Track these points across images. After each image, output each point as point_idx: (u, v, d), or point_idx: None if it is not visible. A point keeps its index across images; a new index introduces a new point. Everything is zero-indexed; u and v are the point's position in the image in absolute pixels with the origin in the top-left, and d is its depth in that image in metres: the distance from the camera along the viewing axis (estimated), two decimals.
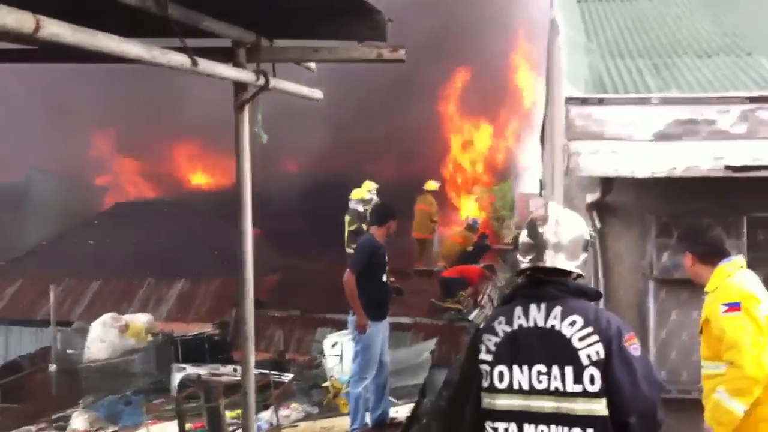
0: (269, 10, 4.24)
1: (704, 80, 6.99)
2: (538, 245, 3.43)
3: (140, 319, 12.48)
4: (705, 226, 5.29)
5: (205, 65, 3.92)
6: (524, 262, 3.49)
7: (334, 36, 4.62)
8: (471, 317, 15.17)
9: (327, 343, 11.27)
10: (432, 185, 18.78)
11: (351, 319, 8.59)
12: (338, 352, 10.99)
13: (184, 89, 22.46)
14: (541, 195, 18.83)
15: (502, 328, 3.39)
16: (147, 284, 17.54)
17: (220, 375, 10.83)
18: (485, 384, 3.38)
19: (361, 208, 15.89)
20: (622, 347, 3.25)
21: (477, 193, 24.43)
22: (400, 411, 9.28)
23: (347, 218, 15.99)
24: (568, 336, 3.26)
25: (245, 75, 4.52)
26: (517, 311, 3.38)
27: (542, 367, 3.27)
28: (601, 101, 6.23)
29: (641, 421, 3.26)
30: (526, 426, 3.28)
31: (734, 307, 4.69)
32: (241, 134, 4.80)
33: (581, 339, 3.24)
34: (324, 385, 10.81)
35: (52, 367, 12.60)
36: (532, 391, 3.28)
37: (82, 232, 20.19)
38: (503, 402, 3.33)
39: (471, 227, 18.79)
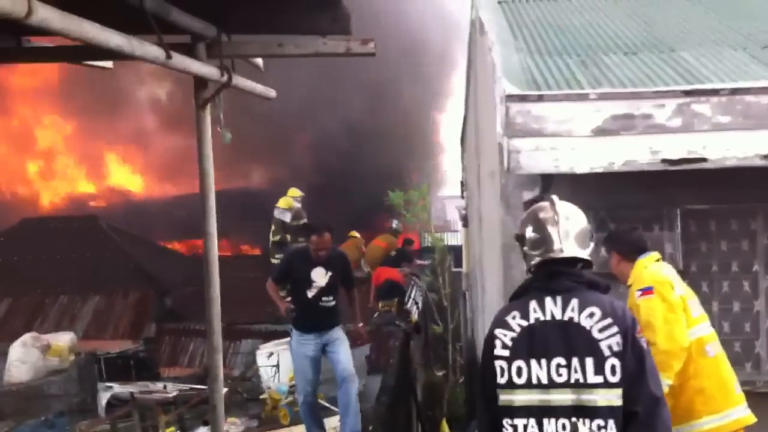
0: (228, 4, 4.06)
1: (633, 76, 7.07)
2: (548, 238, 3.42)
3: (62, 338, 11.92)
4: (628, 228, 5.96)
5: (177, 59, 3.75)
6: (535, 255, 3.46)
7: (295, 30, 4.45)
8: (398, 321, 15.11)
9: (261, 354, 11.00)
10: (354, 233, 18.89)
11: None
12: (274, 363, 10.74)
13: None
14: (462, 197, 19.02)
15: (517, 322, 3.34)
16: (60, 300, 16.83)
17: (150, 392, 10.42)
18: (502, 380, 3.32)
19: (287, 218, 15.73)
20: (635, 338, 3.26)
21: (391, 199, 24.39)
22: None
23: (272, 228, 15.81)
24: (587, 327, 3.23)
25: (209, 70, 4.32)
26: (532, 305, 3.34)
27: (561, 360, 3.23)
28: (540, 98, 6.22)
29: (647, 412, 3.23)
30: (545, 421, 3.23)
31: (647, 291, 5.13)
32: (203, 133, 4.58)
33: (601, 330, 3.22)
34: (261, 397, 10.54)
35: None
36: (552, 385, 3.24)
37: None
38: (522, 397, 3.28)
39: (394, 231, 18.85)
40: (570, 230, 3.43)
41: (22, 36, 4.60)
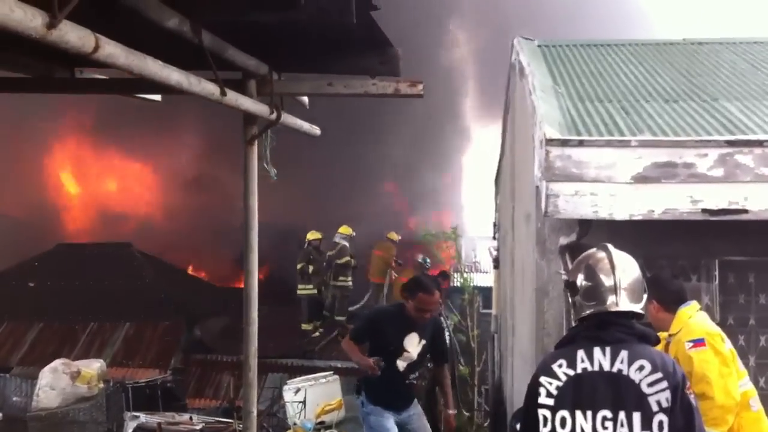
0: (282, 43, 4.13)
1: (674, 125, 7.05)
2: (601, 288, 3.35)
3: (92, 366, 11.95)
4: (669, 276, 5.77)
5: (231, 96, 3.82)
6: (586, 306, 3.38)
7: (344, 70, 4.51)
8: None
9: (288, 390, 10.96)
10: (393, 235, 19.10)
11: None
12: (301, 399, 10.70)
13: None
14: (494, 237, 18.92)
15: (563, 371, 3.28)
16: (90, 327, 16.94)
17: (176, 424, 10.41)
18: (545, 430, 3.26)
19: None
20: (684, 394, 3.18)
21: (423, 237, 24.44)
22: None
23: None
24: (636, 381, 3.17)
25: (261, 108, 4.38)
26: (580, 354, 3.28)
27: (608, 413, 3.16)
28: (581, 143, 6.20)
29: None
30: None
31: (699, 343, 5.02)
32: (250, 169, 4.64)
33: (650, 384, 3.16)
34: None
35: None
36: None
37: (21, 273, 19.47)
38: None
39: (422, 266, 18.85)
40: (624, 281, 3.36)
41: (76, 67, 4.71)
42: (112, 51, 2.74)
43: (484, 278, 26.20)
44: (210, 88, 3.63)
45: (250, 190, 4.72)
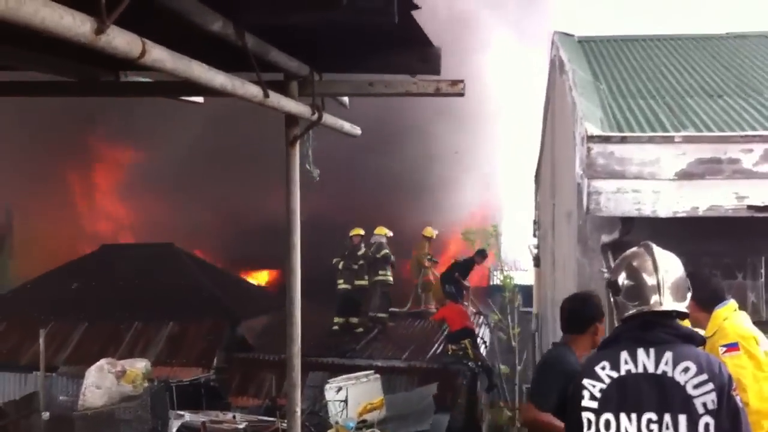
0: (323, 43, 4.15)
1: (719, 120, 6.95)
2: (644, 288, 3.27)
3: (137, 365, 12.12)
4: (707, 274, 5.47)
5: (274, 98, 3.85)
6: (629, 306, 3.30)
7: (385, 69, 4.52)
8: (465, 360, 14.95)
9: (330, 389, 11.00)
10: (429, 231, 19.01)
11: None
12: (342, 398, 10.74)
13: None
14: (534, 235, 18.81)
15: (606, 373, 3.21)
16: (135, 327, 17.16)
17: (220, 422, 10.51)
18: None
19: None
20: (731, 396, 3.10)
21: (465, 236, 24.37)
22: None
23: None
24: (682, 383, 3.09)
25: (302, 109, 4.41)
26: (623, 356, 3.20)
27: (653, 416, 3.10)
28: (623, 139, 6.15)
29: None
30: None
31: (733, 347, 4.83)
32: (292, 169, 4.66)
33: (696, 386, 3.08)
34: None
35: (45, 415, 12.17)
36: None
37: (67, 274, 19.79)
38: None
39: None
40: (667, 281, 3.26)
41: (121, 70, 4.78)
42: (159, 55, 2.78)
43: (524, 276, 26.09)
44: (253, 91, 3.66)
45: (292, 192, 4.73)
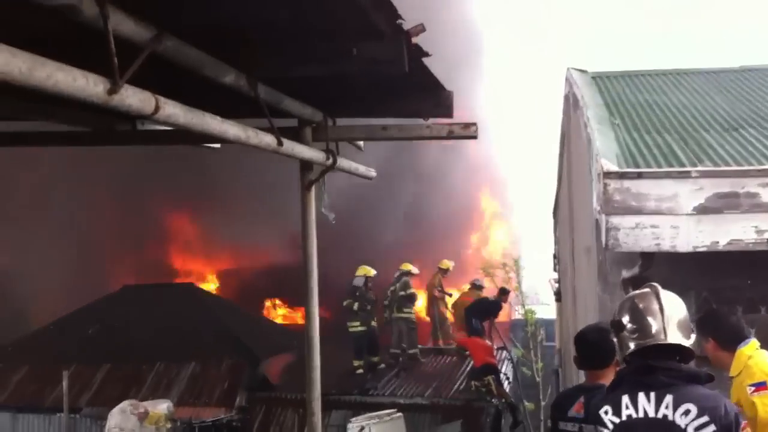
0: (337, 90, 4.23)
1: (735, 153, 6.94)
2: (646, 329, 3.28)
3: (160, 406, 12.16)
4: (726, 313, 5.42)
5: (287, 145, 3.92)
6: (632, 339, 3.31)
7: (397, 114, 4.59)
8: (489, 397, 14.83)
9: (353, 428, 10.97)
10: (445, 264, 18.91)
11: None
12: None
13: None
14: (554, 270, 18.73)
15: (609, 418, 3.24)
16: (157, 367, 17.21)
17: None
18: None
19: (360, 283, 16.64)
20: None
21: (484, 271, 24.29)
22: None
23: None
24: (682, 426, 3.10)
25: (316, 154, 4.49)
26: (625, 400, 3.22)
27: None
28: (639, 175, 6.16)
29: None
30: None
31: (761, 386, 4.77)
32: (308, 214, 4.73)
33: (697, 429, 3.08)
34: None
35: None
36: None
37: (88, 315, 19.93)
38: None
39: (477, 286, 18.71)
40: (672, 320, 3.28)
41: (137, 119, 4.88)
42: (172, 111, 2.85)
43: (546, 310, 25.93)
44: (267, 140, 3.74)
45: (308, 235, 4.78)
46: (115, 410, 12.06)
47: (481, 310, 17.36)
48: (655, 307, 3.30)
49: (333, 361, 16.34)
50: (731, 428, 3.08)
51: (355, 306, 16.40)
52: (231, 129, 3.35)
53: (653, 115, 8.71)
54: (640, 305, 3.35)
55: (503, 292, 18.48)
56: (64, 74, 2.28)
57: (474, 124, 4.42)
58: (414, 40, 3.27)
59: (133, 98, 2.59)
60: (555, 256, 18.72)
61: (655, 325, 3.27)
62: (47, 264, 24.13)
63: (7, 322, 20.89)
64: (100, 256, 26.15)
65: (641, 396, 3.19)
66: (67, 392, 13.64)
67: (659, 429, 3.12)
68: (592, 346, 4.34)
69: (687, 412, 3.10)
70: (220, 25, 3.25)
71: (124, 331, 18.47)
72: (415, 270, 17.67)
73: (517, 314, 25.45)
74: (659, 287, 3.44)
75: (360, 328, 16.48)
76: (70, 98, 2.36)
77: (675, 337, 3.25)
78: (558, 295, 17.73)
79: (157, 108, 2.71)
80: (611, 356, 4.17)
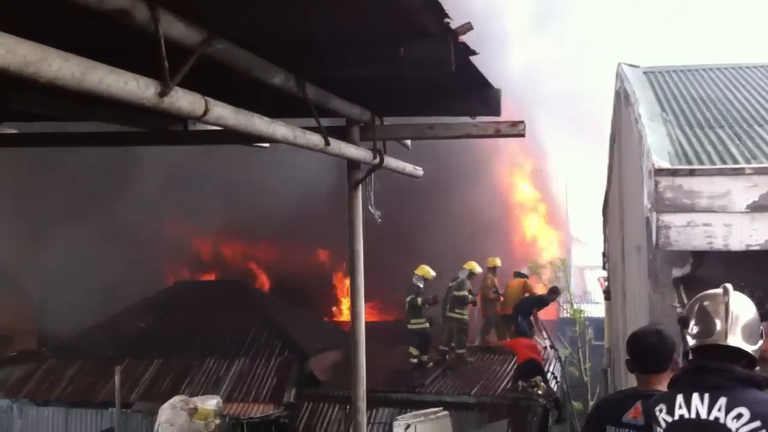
0: (385, 89, 4.24)
1: None
2: (713, 329, 3.25)
3: (209, 402, 12.33)
4: None
5: (335, 145, 3.95)
6: (695, 339, 3.29)
7: (445, 112, 4.59)
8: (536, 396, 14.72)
9: (398, 426, 10.98)
10: (491, 261, 18.83)
11: None
12: None
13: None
14: (604, 268, 18.52)
15: (663, 417, 3.23)
16: (207, 363, 17.43)
17: None
18: None
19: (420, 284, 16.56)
20: None
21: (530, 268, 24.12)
22: None
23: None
24: (733, 430, 3.05)
25: (363, 153, 4.51)
26: (679, 400, 3.20)
27: None
28: (691, 172, 6.05)
29: None
30: None
31: None
32: (354, 212, 4.76)
33: None
34: None
35: None
36: None
37: (141, 310, 20.26)
38: None
39: (521, 274, 18.71)
40: (738, 323, 3.23)
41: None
42: (222, 113, 2.88)
43: (595, 309, 25.62)
44: (314, 140, 3.76)
45: (355, 234, 4.80)
46: (166, 406, 12.26)
47: (530, 306, 17.35)
48: (722, 308, 3.26)
49: (380, 358, 16.44)
50: None
51: (419, 301, 16.43)
52: (279, 129, 3.38)
53: (706, 111, 8.56)
54: (707, 305, 3.32)
55: (553, 291, 18.43)
56: (116, 78, 2.32)
57: (522, 122, 4.39)
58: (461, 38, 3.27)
59: (184, 100, 2.63)
60: (604, 255, 18.50)
61: (718, 325, 3.23)
62: (104, 259, 24.60)
63: (64, 317, 21.29)
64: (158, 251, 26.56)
65: (695, 396, 3.16)
66: (119, 387, 13.88)
67: (710, 431, 3.08)
68: (647, 349, 4.12)
69: (739, 416, 3.05)
70: (270, 28, 3.28)
71: (175, 326, 18.72)
72: (478, 269, 17.60)
73: (566, 313, 25.25)
74: (731, 288, 3.38)
75: (421, 326, 16.49)
76: (123, 102, 2.40)
77: (736, 340, 3.21)
78: (607, 294, 17.52)
79: (206, 110, 2.75)
80: (667, 361, 4.01)
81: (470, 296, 17.31)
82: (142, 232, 25.69)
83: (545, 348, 18.30)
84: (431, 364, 16.67)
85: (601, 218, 18.90)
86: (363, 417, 5.04)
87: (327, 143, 3.82)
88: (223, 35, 3.01)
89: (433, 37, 3.22)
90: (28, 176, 23.17)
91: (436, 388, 15.80)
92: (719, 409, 3.09)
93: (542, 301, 18.01)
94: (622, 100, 10.20)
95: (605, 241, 18.51)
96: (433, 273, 16.87)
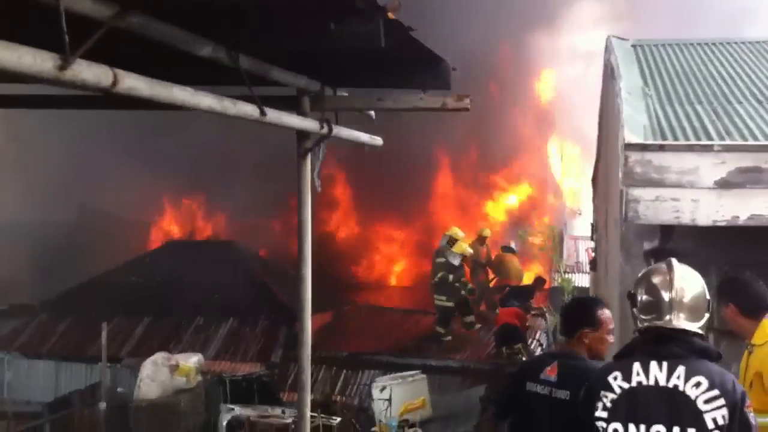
0: (333, 61, 4.30)
1: (766, 126, 6.85)
2: (659, 304, 3.34)
3: (190, 359, 12.54)
4: (751, 279, 5.24)
5: (272, 115, 4.00)
6: (645, 320, 3.39)
7: (397, 85, 4.67)
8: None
9: (376, 387, 11.17)
10: (484, 232, 18.74)
11: None
12: (386, 397, 10.88)
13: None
14: (592, 239, 18.60)
15: (618, 383, 3.30)
16: (195, 323, 17.62)
17: (268, 417, 10.79)
18: None
19: (456, 262, 16.02)
20: (743, 412, 3.16)
21: (520, 236, 24.15)
22: None
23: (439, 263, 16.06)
24: (692, 397, 3.16)
25: (309, 123, 4.57)
26: (636, 367, 3.29)
27: (661, 428, 3.18)
28: (661, 147, 6.12)
29: None
30: None
31: None
32: (303, 181, 4.84)
33: (707, 401, 3.15)
34: (372, 430, 10.70)
35: (102, 405, 12.69)
36: None
37: (131, 269, 20.40)
38: None
39: (509, 248, 18.71)
40: (684, 300, 3.32)
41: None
42: (133, 83, 2.89)
43: (585, 279, 25.76)
44: (247, 110, 3.80)
45: (303, 203, 4.90)
46: (148, 362, 12.49)
47: (516, 297, 17.19)
48: (668, 285, 3.35)
49: (370, 321, 16.66)
50: (737, 404, 3.14)
51: (450, 278, 15.83)
52: (204, 99, 3.41)
53: (688, 86, 8.60)
54: (654, 282, 3.40)
55: (539, 281, 18.38)
56: (9, 52, 2.33)
57: (467, 96, 4.46)
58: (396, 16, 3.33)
59: (88, 72, 2.64)
60: (592, 225, 18.57)
61: (666, 305, 3.32)
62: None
63: (64, 272, 21.50)
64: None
65: (653, 364, 3.25)
66: (106, 343, 14.08)
67: (669, 398, 3.19)
68: (565, 314, 4.74)
69: (698, 384, 3.16)
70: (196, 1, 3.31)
71: (165, 285, 18.88)
72: (461, 233, 16.65)
73: (556, 282, 25.40)
74: (675, 263, 3.47)
75: (445, 304, 15.96)
76: (21, 75, 2.44)
77: (682, 321, 3.30)
78: (593, 264, 17.62)
79: (115, 81, 2.76)
80: (577, 328, 4.45)
81: (465, 285, 16.52)
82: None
83: (534, 316, 18.39)
84: (449, 337, 16.34)
85: (591, 189, 18.94)
86: (308, 377, 5.24)
87: (263, 113, 3.86)
88: (143, 8, 3.04)
89: (365, 14, 3.28)
90: None
91: (423, 352, 15.86)
92: (678, 377, 3.19)
93: (529, 292, 17.73)
94: (609, 72, 10.22)
95: (594, 211, 18.58)
96: (470, 250, 16.28)
